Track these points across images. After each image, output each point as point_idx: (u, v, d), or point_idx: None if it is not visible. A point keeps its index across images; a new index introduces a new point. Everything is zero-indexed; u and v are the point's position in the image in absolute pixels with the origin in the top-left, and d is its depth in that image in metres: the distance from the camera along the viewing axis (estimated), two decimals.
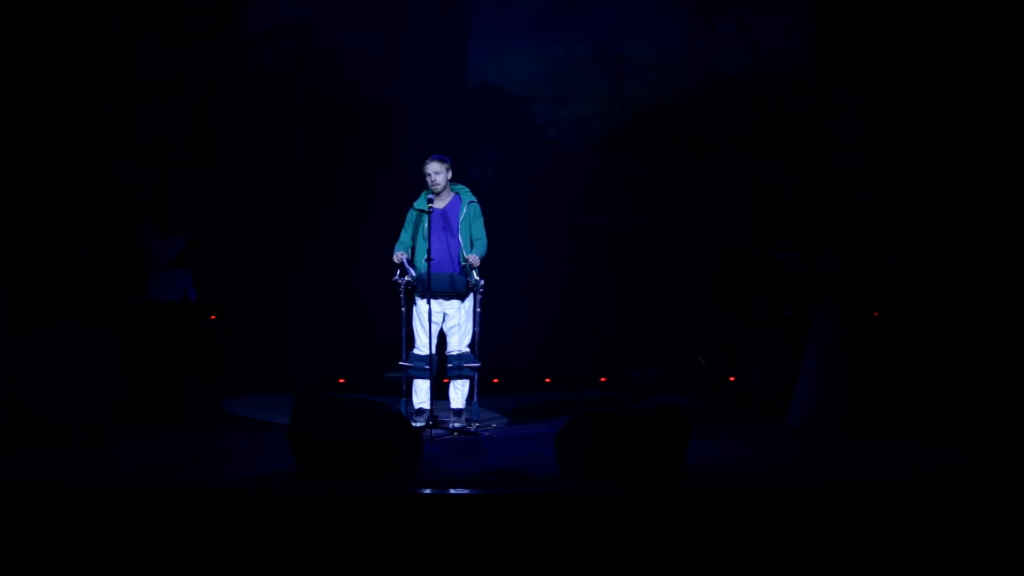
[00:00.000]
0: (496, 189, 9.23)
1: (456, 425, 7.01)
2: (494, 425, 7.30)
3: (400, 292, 6.94)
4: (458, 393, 7.11)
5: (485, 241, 7.04)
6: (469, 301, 7.03)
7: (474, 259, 6.93)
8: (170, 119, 9.06)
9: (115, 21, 8.81)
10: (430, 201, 6.92)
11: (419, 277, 6.90)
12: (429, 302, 6.85)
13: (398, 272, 6.92)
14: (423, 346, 7.01)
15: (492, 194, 7.97)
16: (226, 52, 9.40)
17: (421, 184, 7.08)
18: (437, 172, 6.94)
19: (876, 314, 6.84)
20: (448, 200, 7.06)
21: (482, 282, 6.95)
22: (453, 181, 7.08)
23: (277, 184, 9.36)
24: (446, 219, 7.01)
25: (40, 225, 8.07)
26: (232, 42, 9.48)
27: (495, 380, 8.54)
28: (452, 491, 5.12)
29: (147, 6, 8.96)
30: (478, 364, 7.06)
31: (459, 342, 7.06)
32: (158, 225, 7.61)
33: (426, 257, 6.78)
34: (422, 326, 6.98)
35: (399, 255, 6.94)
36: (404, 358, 7.03)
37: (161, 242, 7.57)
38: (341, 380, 9.18)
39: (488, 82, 9.76)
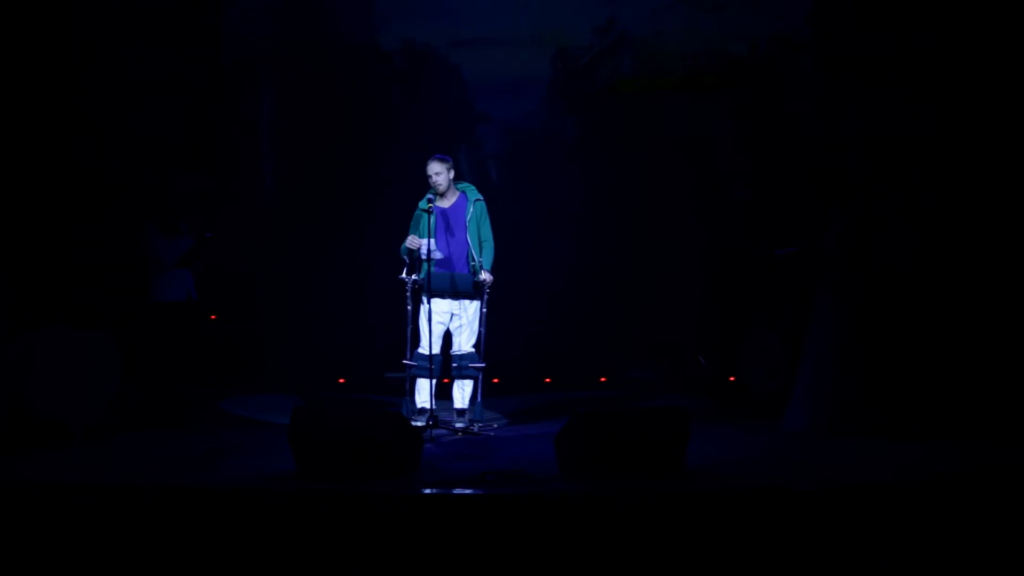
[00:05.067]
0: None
1: (459, 425, 7.01)
2: (495, 426, 7.29)
3: (407, 290, 6.91)
4: (462, 393, 7.10)
5: (492, 243, 7.02)
6: (477, 302, 7.02)
7: (487, 276, 6.91)
8: (170, 119, 9.05)
9: (114, 20, 8.80)
10: (430, 201, 6.89)
11: (430, 275, 6.87)
12: (430, 301, 6.85)
13: (405, 270, 6.88)
14: (427, 346, 6.99)
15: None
16: (219, 44, 9.38)
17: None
18: (438, 173, 6.91)
19: (875, 313, 6.84)
20: (454, 199, 7.03)
21: (490, 281, 6.93)
22: (457, 179, 7.05)
23: (276, 181, 9.33)
24: (452, 218, 6.98)
25: (41, 225, 8.07)
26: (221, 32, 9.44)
27: (495, 380, 8.52)
28: (452, 491, 5.12)
29: (144, 5, 8.95)
30: (482, 364, 7.05)
31: (465, 342, 7.05)
32: (162, 225, 7.61)
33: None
34: (427, 325, 6.96)
35: (415, 241, 6.74)
36: (408, 356, 6.99)
37: (166, 243, 7.56)
38: (341, 380, 9.17)
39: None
